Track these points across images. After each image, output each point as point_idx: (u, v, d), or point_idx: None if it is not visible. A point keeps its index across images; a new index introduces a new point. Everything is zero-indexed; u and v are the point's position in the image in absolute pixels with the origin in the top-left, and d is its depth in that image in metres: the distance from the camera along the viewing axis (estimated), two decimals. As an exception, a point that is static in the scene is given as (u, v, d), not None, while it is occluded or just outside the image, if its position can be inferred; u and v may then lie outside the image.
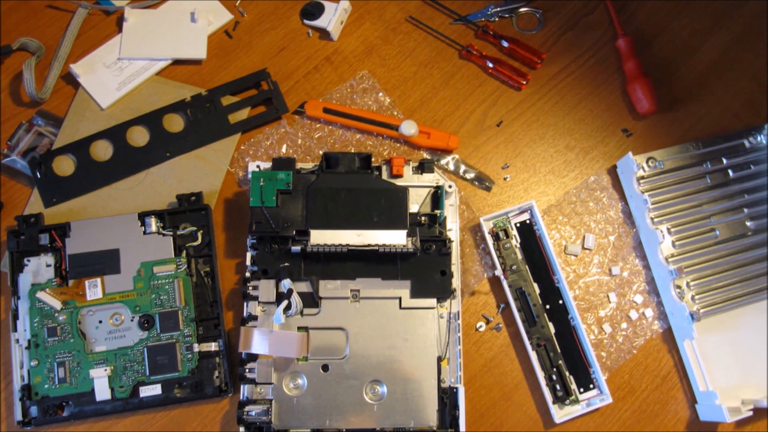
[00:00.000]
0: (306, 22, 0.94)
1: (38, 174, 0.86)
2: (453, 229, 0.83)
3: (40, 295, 0.79)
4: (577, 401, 0.80)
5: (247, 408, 0.76)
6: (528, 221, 0.85)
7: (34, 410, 0.77)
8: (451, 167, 0.89)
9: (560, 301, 0.83)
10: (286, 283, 0.78)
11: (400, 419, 0.77)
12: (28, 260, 0.80)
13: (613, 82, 0.93)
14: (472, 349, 0.83)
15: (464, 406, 0.77)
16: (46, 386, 0.77)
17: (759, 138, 0.89)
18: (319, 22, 0.93)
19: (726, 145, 0.88)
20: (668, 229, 0.85)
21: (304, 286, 0.80)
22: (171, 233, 0.82)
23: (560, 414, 0.80)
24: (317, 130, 0.90)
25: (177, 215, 0.83)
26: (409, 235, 0.80)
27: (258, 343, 0.77)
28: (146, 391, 0.78)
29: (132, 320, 0.79)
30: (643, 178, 0.86)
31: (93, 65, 0.90)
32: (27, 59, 0.89)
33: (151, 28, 0.92)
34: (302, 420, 0.76)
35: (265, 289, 0.79)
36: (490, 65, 0.92)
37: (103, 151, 0.87)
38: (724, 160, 0.87)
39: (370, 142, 0.90)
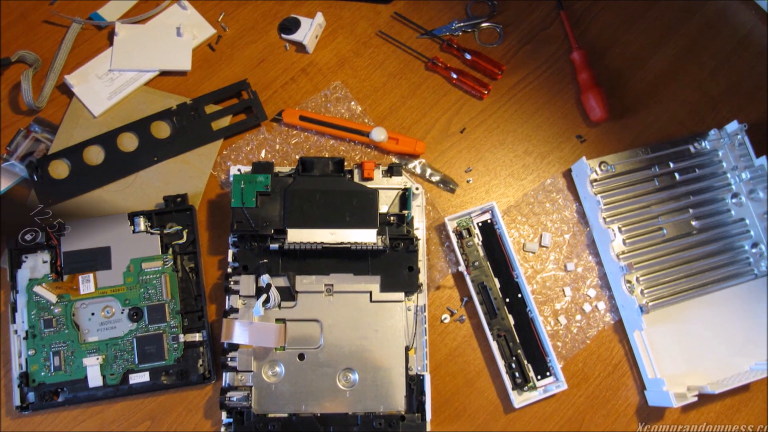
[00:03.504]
0: (283, 36, 0.95)
1: (35, 177, 0.87)
2: (420, 228, 0.85)
3: (37, 289, 0.80)
4: (534, 388, 0.82)
5: (228, 394, 0.77)
6: (489, 221, 0.87)
7: (31, 396, 0.79)
8: (418, 171, 0.91)
9: (519, 295, 0.85)
10: (264, 278, 0.80)
11: (371, 404, 0.79)
12: (26, 257, 0.82)
13: (568, 91, 0.95)
14: (437, 339, 0.85)
15: (430, 392, 0.79)
16: (42, 374, 0.79)
17: (703, 144, 0.90)
18: (296, 36, 0.94)
19: (673, 151, 0.90)
20: (619, 228, 0.86)
21: (281, 281, 0.81)
22: (158, 232, 0.83)
23: (519, 399, 0.82)
24: (294, 136, 0.91)
25: (164, 215, 0.84)
26: (379, 233, 0.81)
27: (239, 333, 0.78)
28: (135, 379, 0.79)
29: (122, 313, 0.81)
30: (595, 180, 0.88)
31: (86, 76, 0.91)
32: (25, 71, 0.90)
33: (139, 42, 0.93)
34: (280, 405, 0.78)
35: (246, 283, 0.81)
36: (454, 76, 0.93)
37: (95, 155, 0.89)
38: (671, 164, 0.89)
39: (343, 147, 0.91)
